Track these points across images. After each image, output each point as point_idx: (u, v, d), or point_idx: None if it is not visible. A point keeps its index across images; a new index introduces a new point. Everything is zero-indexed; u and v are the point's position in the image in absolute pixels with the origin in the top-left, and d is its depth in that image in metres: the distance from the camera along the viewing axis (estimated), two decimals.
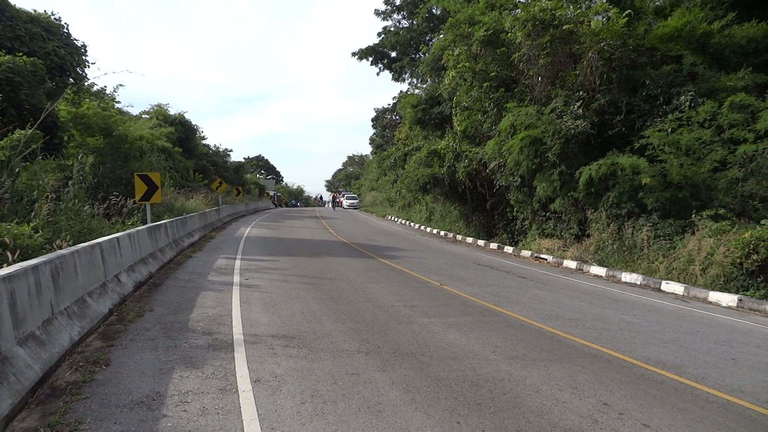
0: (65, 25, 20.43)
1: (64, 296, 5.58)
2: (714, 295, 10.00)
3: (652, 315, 8.41)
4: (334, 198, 56.54)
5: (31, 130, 10.47)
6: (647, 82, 13.95)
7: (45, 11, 19.96)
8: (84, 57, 21.12)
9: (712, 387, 5.03)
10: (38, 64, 15.53)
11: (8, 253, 5.78)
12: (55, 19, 20.06)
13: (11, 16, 17.31)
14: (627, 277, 12.05)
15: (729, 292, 10.00)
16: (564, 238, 15.45)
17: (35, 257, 5.65)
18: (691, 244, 11.32)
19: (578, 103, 14.52)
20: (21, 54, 15.21)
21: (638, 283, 11.68)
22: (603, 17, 15.70)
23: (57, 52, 18.77)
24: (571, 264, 14.05)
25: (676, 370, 5.48)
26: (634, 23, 15.28)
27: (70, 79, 20.47)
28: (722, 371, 5.56)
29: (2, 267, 4.68)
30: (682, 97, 13.08)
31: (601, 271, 12.87)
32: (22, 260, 5.43)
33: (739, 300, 9.55)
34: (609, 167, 12.99)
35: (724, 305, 9.65)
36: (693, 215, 11.81)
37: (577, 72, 15.13)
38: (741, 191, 11.47)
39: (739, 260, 10.16)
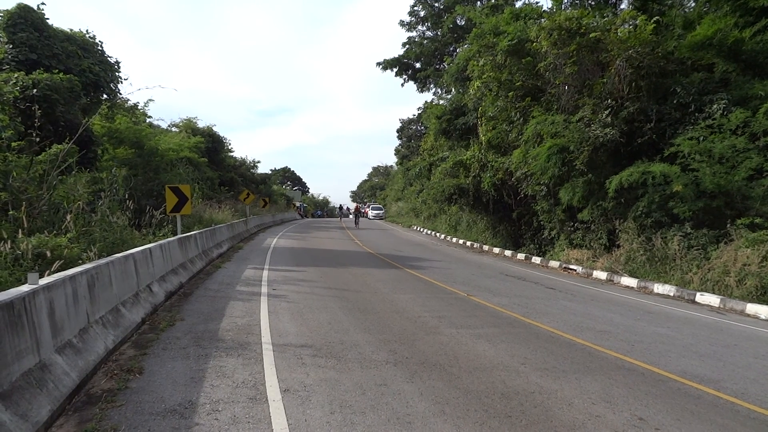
0: (99, 43, 21.08)
1: (100, 305, 5.73)
2: (752, 308, 9.66)
3: (686, 327, 8.17)
4: (357, 210, 41.58)
5: (68, 145, 10.81)
6: (678, 90, 13.64)
7: (80, 30, 20.64)
8: (117, 73, 21.72)
9: (752, 403, 4.86)
10: (74, 81, 16.02)
11: (51, 264, 5.97)
12: (89, 37, 20.73)
13: (49, 36, 17.96)
14: (659, 288, 11.75)
15: None
16: (593, 249, 15.16)
17: (72, 267, 5.81)
18: (726, 255, 10.97)
19: (606, 111, 14.30)
20: (58, 71, 15.73)
21: (671, 294, 11.38)
22: (630, 25, 15.46)
23: (92, 69, 19.36)
24: (601, 275, 13.78)
25: (714, 385, 5.31)
26: (663, 32, 15.01)
27: (104, 95, 21.09)
28: (764, 387, 5.36)
29: (43, 277, 4.83)
30: (715, 105, 12.75)
31: (632, 282, 12.58)
32: (60, 270, 5.60)
33: None
34: (640, 175, 12.71)
35: (764, 318, 9.31)
36: (728, 225, 11.47)
37: (605, 80, 14.91)
38: None
39: None
